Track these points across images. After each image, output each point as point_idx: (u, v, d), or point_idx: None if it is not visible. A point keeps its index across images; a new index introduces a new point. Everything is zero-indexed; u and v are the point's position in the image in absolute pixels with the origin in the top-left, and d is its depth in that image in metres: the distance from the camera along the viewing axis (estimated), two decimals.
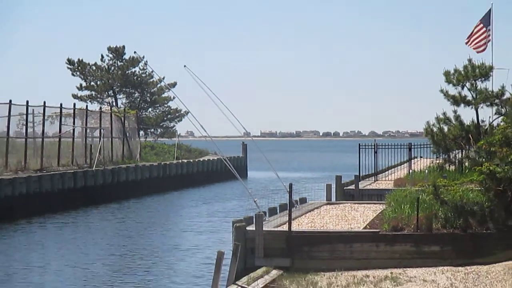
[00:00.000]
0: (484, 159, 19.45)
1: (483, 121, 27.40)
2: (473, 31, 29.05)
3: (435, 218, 17.31)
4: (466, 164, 24.76)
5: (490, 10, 29.45)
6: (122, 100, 59.26)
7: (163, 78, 50.50)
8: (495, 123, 25.88)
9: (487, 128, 25.74)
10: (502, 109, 25.93)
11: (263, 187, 28.09)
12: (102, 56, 60.02)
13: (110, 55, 60.46)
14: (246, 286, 14.50)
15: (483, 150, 19.79)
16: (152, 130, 61.28)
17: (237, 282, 14.63)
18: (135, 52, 60.52)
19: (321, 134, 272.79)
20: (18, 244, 25.01)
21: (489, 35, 26.93)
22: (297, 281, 14.99)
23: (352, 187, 28.71)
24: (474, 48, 29.57)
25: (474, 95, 26.69)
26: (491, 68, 27.93)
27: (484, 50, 29.42)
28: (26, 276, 19.56)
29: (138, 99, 58.96)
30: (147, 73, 58.96)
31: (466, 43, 29.64)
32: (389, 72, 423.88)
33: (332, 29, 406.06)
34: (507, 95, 26.43)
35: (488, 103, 27.09)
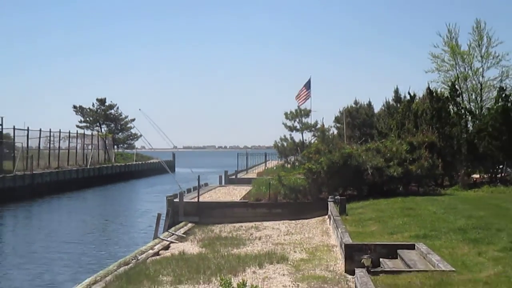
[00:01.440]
0: (305, 161, 27.92)
1: (305, 140, 38.32)
2: (300, 92, 39.11)
3: (279, 194, 25.55)
4: (297, 163, 34.46)
5: (309, 79, 39.26)
6: (104, 128, 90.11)
7: (127, 116, 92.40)
8: (312, 141, 36.50)
9: (307, 144, 35.62)
10: (316, 133, 36.76)
11: (184, 177, 37.61)
12: (93, 104, 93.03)
13: (97, 103, 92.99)
14: (173, 232, 21.80)
15: (305, 156, 28.89)
16: (121, 145, 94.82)
17: (168, 230, 22.32)
18: (116, 106, 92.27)
19: (216, 147, 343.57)
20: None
21: (309, 93, 35.93)
22: (202, 229, 22.44)
23: (233, 176, 42.28)
24: (299, 102, 40.30)
25: (300, 126, 37.78)
26: (310, 111, 39.67)
27: (304, 102, 39.21)
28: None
29: (113, 128, 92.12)
30: (119, 113, 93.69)
31: (296, 98, 39.59)
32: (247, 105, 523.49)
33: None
34: (318, 126, 37.81)
35: (309, 130, 38.33)
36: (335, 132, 34.64)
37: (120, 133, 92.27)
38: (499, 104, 29.67)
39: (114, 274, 14.09)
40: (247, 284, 9.41)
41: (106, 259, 18.64)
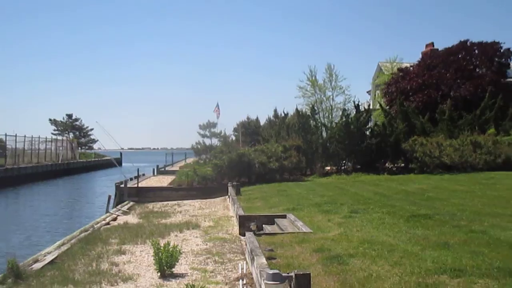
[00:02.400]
0: (213, 158, 30.15)
1: (213, 144, 38.86)
2: (215, 108, 40.51)
3: (194, 181, 27.10)
4: (207, 160, 35.24)
5: (217, 103, 40.83)
6: (71, 134, 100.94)
7: (88, 126, 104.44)
8: (217, 144, 38.11)
9: (214, 146, 37.29)
10: (220, 139, 37.90)
11: (128, 170, 38.14)
12: (63, 118, 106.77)
13: (66, 117, 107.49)
14: (119, 208, 22.63)
15: (213, 155, 30.96)
16: (83, 147, 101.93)
17: (116, 207, 23.29)
18: (80, 120, 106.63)
19: (151, 148, 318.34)
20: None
21: (219, 110, 38.18)
22: (140, 206, 23.26)
23: (163, 169, 43.62)
24: (216, 115, 40.95)
25: (209, 134, 38.85)
26: (216, 123, 40.84)
27: (218, 116, 40.45)
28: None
29: (78, 134, 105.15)
30: (82, 124, 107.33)
31: (214, 111, 40.69)
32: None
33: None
34: (222, 134, 38.93)
35: (215, 137, 38.97)
36: (234, 138, 37.83)
37: (82, 138, 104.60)
38: (343, 120, 32.80)
39: (77, 238, 14.60)
40: (170, 244, 9.95)
41: (72, 227, 19.35)
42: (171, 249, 9.71)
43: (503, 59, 38.32)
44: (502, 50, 38.17)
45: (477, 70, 37.65)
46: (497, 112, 33.67)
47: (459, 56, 38.21)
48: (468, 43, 38.70)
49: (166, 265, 9.57)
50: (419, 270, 7.25)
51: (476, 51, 38.22)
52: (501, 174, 25.48)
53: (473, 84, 35.99)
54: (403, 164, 31.94)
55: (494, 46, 38.08)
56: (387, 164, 32.79)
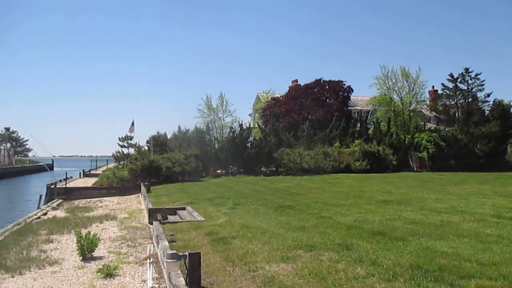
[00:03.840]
0: (129, 164, 28.08)
1: (130, 152, 34.61)
2: (130, 126, 36.28)
3: (113, 182, 25.76)
4: (125, 165, 32.18)
5: (133, 120, 37.66)
6: (9, 144, 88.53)
7: (23, 138, 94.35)
8: (133, 153, 34.04)
9: (131, 154, 33.54)
10: (136, 149, 34.17)
11: (59, 173, 35.58)
12: (2, 130, 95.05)
13: (5, 130, 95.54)
14: (49, 204, 20.67)
15: (129, 161, 28.80)
16: (20, 154, 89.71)
17: (48, 204, 21.27)
18: (17, 132, 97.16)
19: (79, 155, 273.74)
20: None
21: (133, 128, 34.93)
22: (68, 203, 21.49)
23: (88, 172, 40.15)
24: (130, 132, 35.87)
25: (127, 145, 35.36)
26: (132, 137, 36.98)
27: (132, 132, 35.90)
28: None
29: (15, 144, 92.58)
30: (18, 136, 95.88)
31: (129, 129, 36.37)
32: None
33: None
34: (137, 144, 35.83)
35: (132, 147, 35.51)
36: (146, 148, 36.96)
37: (19, 147, 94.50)
38: (230, 135, 33.37)
39: (10, 231, 13.36)
40: (91, 233, 9.50)
41: (8, 222, 17.09)
42: (91, 237, 9.23)
43: (346, 93, 41.05)
44: (345, 87, 40.90)
45: (328, 100, 39.92)
46: (341, 131, 35.98)
47: (315, 89, 40.37)
48: (321, 80, 41.00)
49: (87, 250, 9.07)
50: (283, 246, 7.41)
51: (327, 87, 40.57)
52: (343, 175, 27.01)
53: (324, 111, 38.19)
54: (274, 168, 33.02)
55: (339, 84, 40.70)
56: (262, 168, 33.74)
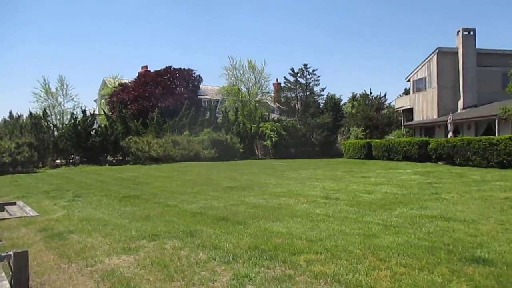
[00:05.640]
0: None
1: None
2: None
3: None
4: None
5: None
6: None
7: None
8: None
9: None
10: None
11: None
12: None
13: None
14: None
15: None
16: None
17: None
18: None
19: None
20: None
21: None
22: None
23: None
24: None
25: None
26: None
27: None
28: None
29: None
30: None
31: None
32: None
33: None
34: None
35: None
36: None
37: None
38: (72, 122, 31.21)
39: None
40: None
41: None
42: None
43: (196, 82, 41.43)
44: (195, 75, 41.24)
45: (178, 88, 39.83)
46: (191, 119, 36.30)
47: (165, 77, 39.88)
48: (172, 68, 40.65)
49: None
50: (125, 238, 7.18)
51: (178, 75, 40.42)
52: (192, 164, 27.36)
53: (174, 99, 38.00)
54: (121, 157, 31.81)
55: (189, 72, 40.88)
56: (108, 157, 32.24)
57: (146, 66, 45.34)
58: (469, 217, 8.13)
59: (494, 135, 23.60)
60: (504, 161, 18.78)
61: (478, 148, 20.18)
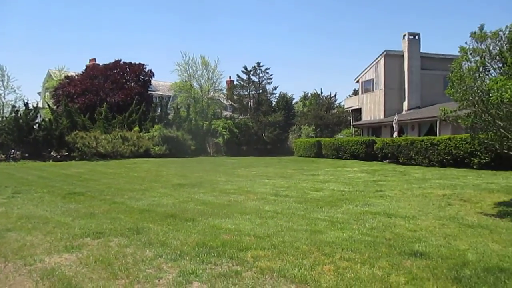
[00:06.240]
0: None
1: None
2: None
3: None
4: None
5: None
6: None
7: None
8: None
9: None
10: None
11: None
12: None
13: None
14: None
15: None
16: None
17: None
18: None
19: None
20: None
21: None
22: None
23: None
24: None
25: None
26: None
27: None
28: None
29: None
30: None
31: None
32: None
33: None
34: None
35: None
36: None
37: None
38: (13, 115, 29.84)
39: None
40: None
41: None
42: None
43: (147, 77, 40.62)
44: (146, 70, 40.42)
45: (128, 83, 38.90)
46: (141, 115, 35.60)
47: (115, 71, 38.82)
48: (121, 62, 39.63)
49: None
50: (68, 235, 6.93)
51: (128, 69, 39.47)
52: (142, 160, 26.86)
53: (124, 93, 37.08)
54: (66, 153, 30.63)
55: (140, 67, 40.02)
56: (52, 153, 30.92)
57: (95, 59, 43.90)
58: (410, 213, 8.51)
59: (436, 135, 24.83)
60: (444, 160, 19.79)
61: (421, 148, 21.15)
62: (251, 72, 43.00)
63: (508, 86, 7.03)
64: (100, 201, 10.51)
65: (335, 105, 48.39)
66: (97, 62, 42.63)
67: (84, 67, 41.17)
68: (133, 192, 12.25)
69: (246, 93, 43.95)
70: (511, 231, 6.99)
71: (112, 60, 39.50)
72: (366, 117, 36.86)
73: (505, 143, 8.42)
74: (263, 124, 41.61)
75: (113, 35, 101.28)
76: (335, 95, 50.13)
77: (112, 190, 12.56)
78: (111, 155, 28.81)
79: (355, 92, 46.13)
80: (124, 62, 39.83)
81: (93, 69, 39.30)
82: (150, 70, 40.74)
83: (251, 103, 43.87)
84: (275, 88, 44.43)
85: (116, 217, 8.40)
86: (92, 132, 30.36)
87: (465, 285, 4.47)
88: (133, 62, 40.09)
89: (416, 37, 34.23)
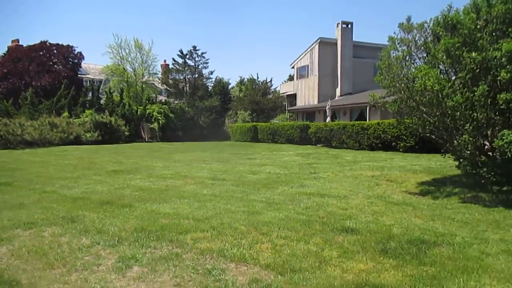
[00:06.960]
0: None
1: None
2: None
3: None
4: None
5: None
6: None
7: None
8: None
9: None
10: None
11: None
12: None
13: None
14: None
15: None
16: None
17: None
18: None
19: None
20: None
21: None
22: None
23: None
24: None
25: None
26: None
27: None
28: None
29: None
30: None
31: None
32: None
33: None
34: None
35: None
36: None
37: None
38: None
39: None
40: None
41: None
42: None
43: (76, 60, 38.74)
44: (75, 53, 38.52)
45: (56, 66, 36.87)
46: (71, 100, 34.05)
47: (41, 53, 36.61)
48: (48, 43, 37.44)
49: None
50: None
51: (55, 51, 37.37)
52: (73, 147, 25.84)
53: (51, 77, 35.16)
54: None
55: (69, 49, 38.07)
56: None
57: (18, 40, 41.00)
58: (341, 193, 8.99)
59: (366, 120, 26.09)
60: (373, 143, 20.88)
61: (352, 132, 22.14)
62: (187, 56, 42.40)
63: (431, 75, 7.59)
64: (29, 191, 10.06)
65: (271, 91, 49.06)
66: (20, 43, 39.87)
67: (6, 49, 38.36)
68: (64, 180, 11.80)
69: (182, 77, 43.32)
70: (432, 208, 7.63)
71: (38, 42, 37.14)
72: (301, 103, 37.79)
73: (427, 127, 9.10)
74: (199, 109, 41.34)
75: (38, 14, 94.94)
76: (271, 81, 50.80)
77: (42, 179, 12.05)
78: (38, 142, 27.31)
79: (291, 78, 47.02)
80: (50, 43, 37.64)
81: (16, 51, 36.77)
82: (80, 53, 38.87)
83: (187, 88, 43.35)
84: (212, 73, 44.28)
85: (48, 207, 8.16)
86: (16, 119, 28.57)
87: (391, 256, 4.87)
88: (60, 44, 37.98)
89: (349, 25, 35.43)
